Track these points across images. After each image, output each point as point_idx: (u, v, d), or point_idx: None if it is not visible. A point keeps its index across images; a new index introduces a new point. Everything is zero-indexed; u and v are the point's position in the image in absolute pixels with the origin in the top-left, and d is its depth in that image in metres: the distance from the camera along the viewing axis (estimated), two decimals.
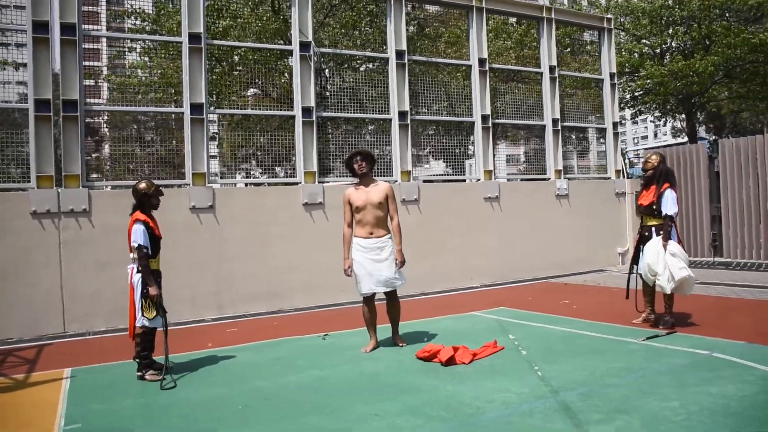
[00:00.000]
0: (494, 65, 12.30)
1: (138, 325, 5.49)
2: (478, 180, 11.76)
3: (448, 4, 12.25)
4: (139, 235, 5.46)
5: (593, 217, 12.92)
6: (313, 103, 10.03)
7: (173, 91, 10.95)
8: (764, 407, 4.21)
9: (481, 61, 11.81)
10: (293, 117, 10.09)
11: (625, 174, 14.03)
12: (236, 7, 10.72)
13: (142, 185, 5.70)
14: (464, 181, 12.13)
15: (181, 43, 9.43)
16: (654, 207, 6.83)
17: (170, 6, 11.62)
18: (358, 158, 6.45)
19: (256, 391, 5.10)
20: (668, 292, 6.72)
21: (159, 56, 10.99)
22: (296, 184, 10.02)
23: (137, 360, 5.58)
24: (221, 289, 9.22)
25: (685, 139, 30.46)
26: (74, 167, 8.47)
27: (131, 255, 5.56)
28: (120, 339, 7.41)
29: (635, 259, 7.22)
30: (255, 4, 12.64)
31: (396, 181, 10.79)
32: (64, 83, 8.43)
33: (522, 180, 13.66)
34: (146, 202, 5.67)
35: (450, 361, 5.64)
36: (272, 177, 10.36)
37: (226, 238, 9.28)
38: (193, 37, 9.34)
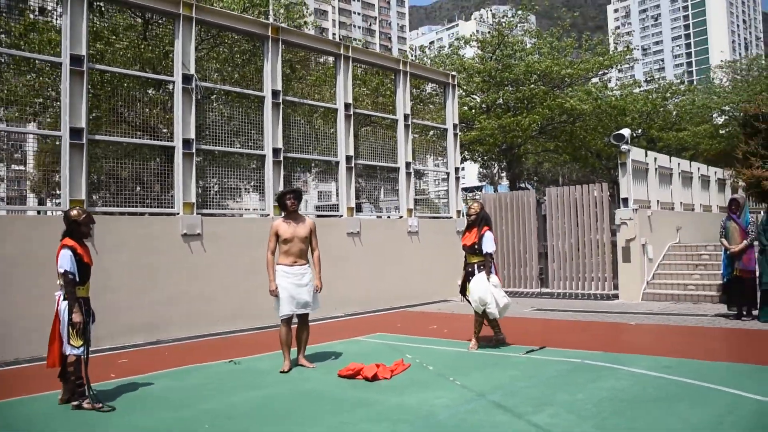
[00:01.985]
0: (357, 110, 13.15)
1: (67, 353, 5.39)
2: (341, 216, 12.46)
3: (319, 51, 13.00)
4: (66, 260, 5.39)
5: (439, 252, 14.17)
6: (193, 135, 10.17)
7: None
8: (640, 393, 5.33)
9: (347, 105, 12.66)
10: (172, 148, 10.13)
11: (465, 214, 15.55)
12: (112, 30, 10.64)
13: (73, 213, 5.66)
14: (338, 216, 12.70)
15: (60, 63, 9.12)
16: (476, 246, 7.90)
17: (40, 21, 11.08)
18: (291, 196, 6.99)
19: (210, 412, 5.28)
20: (498, 317, 7.88)
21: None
22: (174, 215, 10.03)
23: (71, 392, 5.46)
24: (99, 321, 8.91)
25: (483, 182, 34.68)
26: None
27: (58, 282, 5.47)
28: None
29: (463, 291, 8.27)
30: (128, 30, 12.43)
31: (268, 214, 11.15)
32: None
33: (378, 217, 14.59)
34: (76, 230, 5.61)
35: (374, 378, 6.22)
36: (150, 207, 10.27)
37: (105, 267, 9.04)
38: (75, 59, 9.08)
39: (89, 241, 6.50)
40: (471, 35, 25.05)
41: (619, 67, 25.54)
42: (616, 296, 13.12)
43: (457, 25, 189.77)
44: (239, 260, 10.42)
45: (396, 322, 10.78)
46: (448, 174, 15.19)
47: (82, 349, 5.40)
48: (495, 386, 5.83)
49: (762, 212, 10.29)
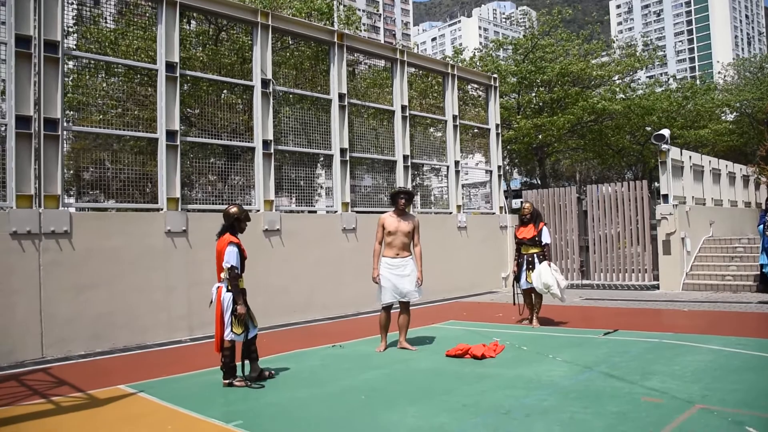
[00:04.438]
0: (412, 111, 13.87)
1: (227, 338, 6.06)
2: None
3: (379, 56, 13.73)
4: (233, 256, 6.09)
5: (485, 246, 14.93)
6: (271, 137, 10.88)
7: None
8: (727, 364, 6.08)
9: (403, 108, 13.39)
10: (253, 148, 10.81)
11: (507, 210, 16.31)
12: (202, 39, 11.32)
13: (234, 209, 6.38)
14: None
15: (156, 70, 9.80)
16: (537, 239, 9.30)
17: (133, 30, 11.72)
18: (404, 197, 7.81)
19: (353, 387, 5.98)
20: (560, 296, 9.13)
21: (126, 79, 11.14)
22: (256, 211, 10.72)
23: (224, 369, 6.14)
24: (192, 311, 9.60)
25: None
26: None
27: (222, 275, 6.16)
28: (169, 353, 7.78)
29: (517, 278, 9.67)
30: (199, 35, 13.17)
31: (336, 211, 11.86)
32: (46, 101, 8.34)
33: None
34: (237, 226, 6.34)
35: (482, 356, 6.97)
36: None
37: (197, 260, 9.71)
38: (169, 66, 9.77)
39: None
40: (504, 38, 25.77)
41: (645, 68, 26.39)
42: (656, 287, 13.87)
43: (459, 21, 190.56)
44: (311, 254, 11.16)
45: (461, 311, 11.53)
46: (491, 172, 15.93)
47: (242, 335, 6.12)
48: (595, 361, 6.59)
49: None
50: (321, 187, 13.53)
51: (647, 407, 4.88)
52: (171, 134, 9.63)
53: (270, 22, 11.09)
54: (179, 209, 9.62)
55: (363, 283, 10.93)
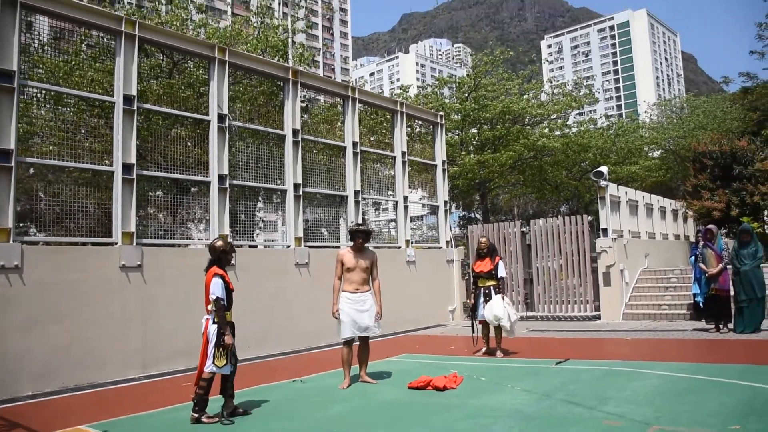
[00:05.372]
0: (362, 148, 14.14)
1: (207, 370, 6.08)
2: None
3: (331, 92, 14.01)
4: (218, 288, 6.15)
5: (433, 280, 15.23)
6: (226, 171, 10.94)
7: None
8: (674, 387, 6.47)
9: (354, 144, 13.66)
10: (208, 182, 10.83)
11: (453, 244, 16.69)
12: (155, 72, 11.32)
13: (219, 243, 6.47)
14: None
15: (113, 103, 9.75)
16: (493, 272, 9.82)
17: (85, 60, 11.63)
18: (362, 236, 7.92)
19: (320, 420, 6.08)
20: (508, 329, 9.57)
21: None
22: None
23: (195, 401, 6.11)
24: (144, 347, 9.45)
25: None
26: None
27: (209, 307, 6.20)
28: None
29: (475, 310, 10.06)
30: (153, 68, 13.17)
31: (290, 246, 11.94)
32: None
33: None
34: (223, 258, 6.41)
35: (444, 388, 7.17)
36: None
37: (152, 295, 9.63)
38: (126, 99, 9.72)
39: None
40: (449, 77, 26.57)
41: (581, 108, 27.73)
42: (597, 317, 14.43)
43: (396, 57, 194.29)
44: (264, 289, 11.17)
45: (414, 344, 11.73)
46: (437, 207, 16.33)
47: (224, 368, 6.14)
48: (553, 389, 6.89)
49: (734, 240, 11.77)
50: (262, 221, 13.59)
51: (609, 430, 5.19)
52: (127, 168, 9.57)
53: (227, 58, 11.24)
54: (134, 243, 9.53)
55: (316, 317, 11.07)
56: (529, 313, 15.62)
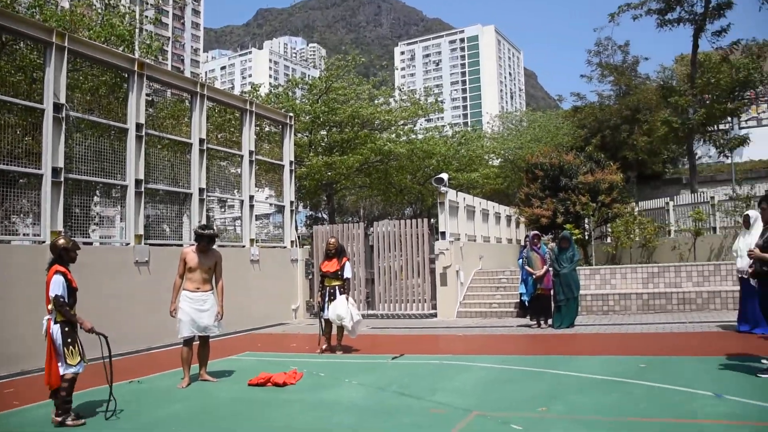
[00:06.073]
0: (209, 145, 13.93)
1: (68, 372, 5.82)
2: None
3: (179, 88, 13.67)
4: (57, 285, 5.85)
5: (277, 279, 15.34)
6: (61, 164, 10.36)
7: None
8: (497, 378, 7.13)
9: (201, 141, 13.45)
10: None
11: (298, 243, 16.88)
12: None
13: (61, 241, 6.17)
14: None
15: None
16: (339, 273, 10.04)
17: None
18: (206, 242, 7.93)
19: (164, 419, 6.13)
20: (349, 329, 9.83)
21: None
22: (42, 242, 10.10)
23: (58, 404, 5.83)
24: None
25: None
26: None
27: (49, 306, 5.89)
28: None
29: (321, 309, 10.25)
30: None
31: (129, 243, 11.57)
32: None
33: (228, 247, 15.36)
34: (65, 256, 6.12)
35: (284, 383, 7.36)
36: None
37: None
38: None
39: None
40: (301, 77, 26.66)
41: (428, 116, 29.00)
42: (434, 315, 15.24)
43: (250, 52, 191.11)
44: (102, 287, 10.65)
45: (255, 343, 11.80)
46: (283, 207, 16.43)
47: (79, 365, 5.91)
48: (387, 382, 7.31)
49: (554, 244, 12.96)
50: (99, 216, 13.02)
51: (435, 417, 5.68)
52: None
53: (66, 44, 10.65)
54: None
55: (156, 317, 10.80)
56: (370, 312, 16.14)
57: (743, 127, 34.39)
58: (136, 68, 11.97)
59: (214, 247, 8.26)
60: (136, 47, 16.98)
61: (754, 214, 9.67)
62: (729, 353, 8.09)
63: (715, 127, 29.61)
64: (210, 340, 8.13)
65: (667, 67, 35.48)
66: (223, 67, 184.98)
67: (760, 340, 8.80)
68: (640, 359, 8.12)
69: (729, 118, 30.58)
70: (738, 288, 10.85)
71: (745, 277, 9.46)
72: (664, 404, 5.81)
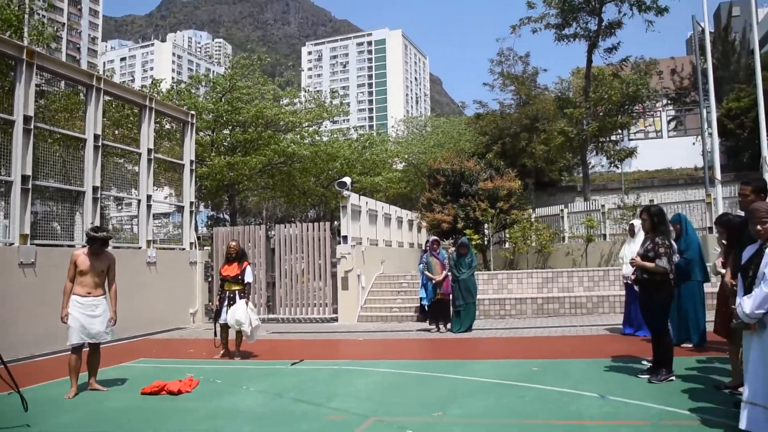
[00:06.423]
0: (104, 142, 13.34)
1: None
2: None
3: (73, 80, 13.00)
4: None
5: (174, 282, 14.89)
6: None
7: None
8: (394, 382, 7.23)
9: (96, 137, 12.87)
10: None
11: (198, 245, 16.46)
12: None
13: None
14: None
15: None
16: (240, 277, 9.92)
17: None
18: (98, 245, 7.59)
19: (59, 426, 5.77)
20: (249, 335, 9.72)
21: None
22: None
23: None
24: None
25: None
26: None
27: None
28: None
29: (218, 313, 10.12)
30: None
31: (12, 243, 10.91)
32: None
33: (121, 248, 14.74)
34: None
35: (179, 392, 7.17)
36: None
37: None
38: None
39: None
40: (205, 74, 25.98)
41: (333, 118, 28.96)
42: (335, 319, 15.26)
43: (152, 44, 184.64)
44: None
45: (151, 348, 11.41)
46: (182, 207, 15.97)
47: None
48: (286, 389, 7.27)
49: (452, 250, 13.26)
50: None
51: (332, 424, 5.70)
52: None
53: None
54: None
55: (42, 323, 10.27)
56: (271, 316, 15.98)
57: (632, 139, 36.49)
58: (25, 56, 11.29)
59: (108, 249, 7.93)
60: (26, 33, 16.01)
61: (638, 223, 10.28)
62: (614, 355, 8.57)
63: (607, 138, 31.25)
64: (101, 346, 7.80)
65: (564, 79, 37.07)
66: (123, 59, 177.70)
67: (643, 342, 9.32)
68: (533, 362, 8.47)
69: (620, 131, 32.36)
70: (624, 293, 11.52)
71: (630, 282, 10.06)
72: (553, 406, 6.09)
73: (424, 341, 11.65)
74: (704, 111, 26.07)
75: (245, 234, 16.54)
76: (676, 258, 7.15)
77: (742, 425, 4.76)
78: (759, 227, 4.83)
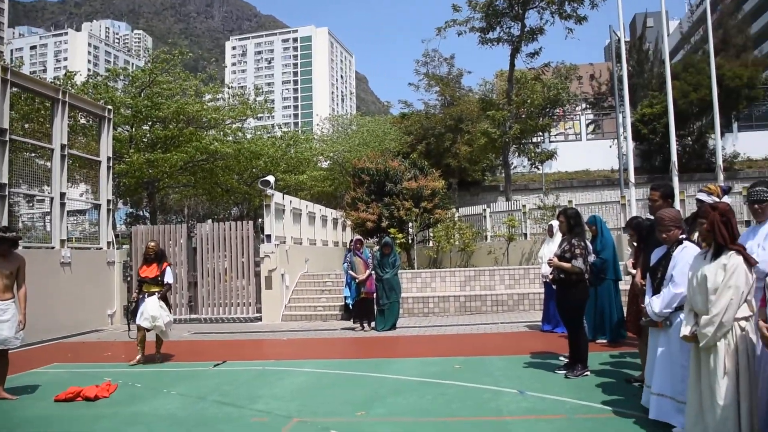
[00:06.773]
0: (13, 136, 12.71)
1: None
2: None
3: None
4: None
5: (91, 283, 14.36)
6: None
7: None
8: (319, 382, 7.24)
9: (2, 131, 12.23)
10: None
11: (116, 244, 15.93)
12: None
13: None
14: None
15: None
16: (159, 279, 9.62)
17: None
18: (6, 246, 7.27)
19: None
20: (164, 330, 9.42)
21: None
22: None
23: None
24: None
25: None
26: None
27: None
28: None
29: (134, 315, 9.78)
30: None
31: None
32: None
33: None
34: None
35: (96, 397, 6.94)
36: None
37: None
38: None
39: None
40: (124, 67, 25.05)
41: (257, 116, 28.52)
42: (259, 319, 15.10)
43: (66, 33, 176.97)
44: None
45: (65, 353, 10.97)
46: (99, 205, 15.42)
47: None
48: (207, 391, 7.16)
49: (376, 249, 13.36)
50: None
51: (256, 426, 5.67)
52: None
53: None
54: None
55: None
56: (193, 316, 15.66)
57: (553, 141, 37.69)
58: None
59: (17, 250, 7.57)
60: None
61: (556, 224, 10.64)
62: (533, 351, 8.87)
63: (529, 140, 32.18)
64: (9, 352, 7.44)
65: (488, 81, 37.85)
66: (33, 47, 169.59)
67: (561, 338, 9.67)
68: (455, 360, 8.64)
69: (541, 133, 33.38)
70: (543, 291, 11.91)
71: (548, 281, 10.41)
72: (474, 403, 6.26)
73: (348, 340, 11.69)
74: (620, 116, 27.30)
75: (166, 232, 16.13)
76: (591, 258, 7.45)
77: (652, 415, 5.04)
78: (664, 235, 5.16)
